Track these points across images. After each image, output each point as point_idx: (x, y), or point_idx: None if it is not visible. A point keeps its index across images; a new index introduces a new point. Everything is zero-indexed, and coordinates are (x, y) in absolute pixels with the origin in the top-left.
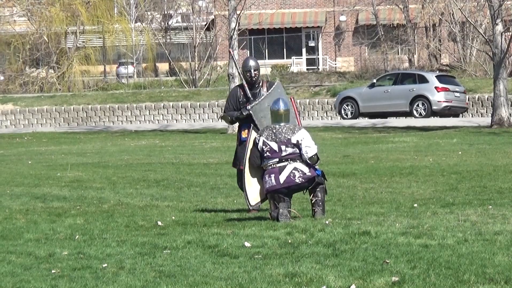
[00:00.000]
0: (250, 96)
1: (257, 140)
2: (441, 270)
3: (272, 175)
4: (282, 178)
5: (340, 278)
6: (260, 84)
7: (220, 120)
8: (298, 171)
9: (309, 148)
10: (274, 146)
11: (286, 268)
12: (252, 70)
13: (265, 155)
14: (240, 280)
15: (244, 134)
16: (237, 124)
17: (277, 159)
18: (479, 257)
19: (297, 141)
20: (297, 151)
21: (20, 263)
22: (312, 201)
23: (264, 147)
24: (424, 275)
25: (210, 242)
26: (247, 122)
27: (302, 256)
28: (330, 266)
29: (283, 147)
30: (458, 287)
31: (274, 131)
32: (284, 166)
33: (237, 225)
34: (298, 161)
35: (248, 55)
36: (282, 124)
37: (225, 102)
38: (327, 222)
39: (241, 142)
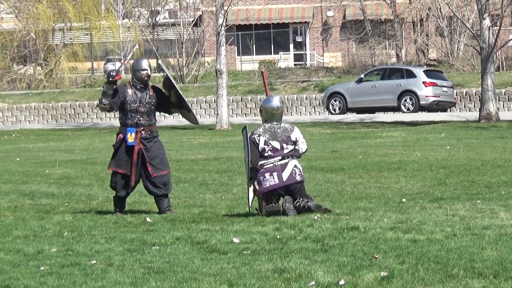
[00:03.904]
0: (137, 97)
1: (256, 140)
2: (429, 265)
3: (275, 173)
4: (285, 175)
5: (329, 273)
6: (148, 87)
7: (96, 106)
8: (298, 169)
9: (304, 144)
10: (277, 145)
11: (275, 264)
12: (148, 70)
13: (266, 154)
14: (229, 276)
15: (130, 139)
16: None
17: (279, 157)
18: (468, 251)
19: (296, 138)
20: (294, 147)
21: (9, 260)
22: (302, 203)
23: (266, 146)
24: (413, 270)
25: (198, 238)
26: (132, 125)
27: (290, 252)
28: (319, 261)
29: (284, 145)
30: (446, 281)
31: (273, 130)
32: (286, 164)
33: (225, 221)
34: (295, 158)
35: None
36: (279, 123)
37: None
38: (315, 217)
39: (128, 147)
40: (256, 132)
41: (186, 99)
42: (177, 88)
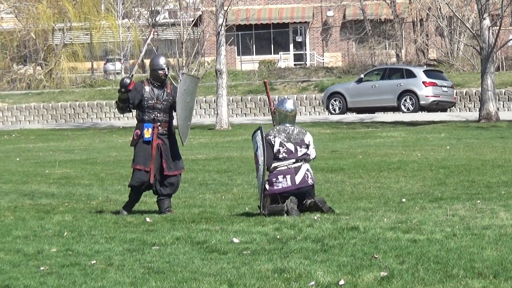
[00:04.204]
0: (155, 94)
1: (272, 141)
2: (429, 265)
3: (288, 176)
4: (298, 179)
5: (329, 273)
6: (165, 84)
7: (115, 103)
8: (310, 172)
9: (313, 150)
10: (291, 147)
11: (275, 264)
12: (166, 68)
13: (281, 156)
14: (229, 276)
15: (147, 134)
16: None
17: (293, 160)
18: (468, 251)
19: (308, 141)
20: (307, 151)
21: (9, 260)
22: (309, 200)
23: (281, 148)
24: (413, 270)
25: (198, 238)
26: (149, 121)
27: (290, 252)
28: (319, 261)
29: (298, 148)
30: (446, 281)
31: (287, 132)
32: (300, 167)
33: (225, 221)
34: (307, 162)
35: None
36: (292, 125)
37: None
38: (315, 218)
39: (145, 142)
40: (271, 133)
41: (180, 117)
42: (178, 106)
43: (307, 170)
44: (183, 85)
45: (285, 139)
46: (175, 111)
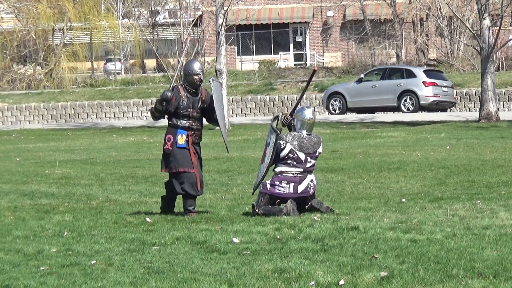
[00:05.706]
0: (190, 102)
1: (282, 145)
2: (429, 265)
3: (292, 184)
4: (301, 188)
5: (329, 273)
6: (200, 90)
7: (149, 111)
8: (313, 183)
9: (320, 154)
10: (302, 156)
11: (275, 264)
12: (201, 74)
13: (289, 161)
14: (229, 276)
15: (181, 141)
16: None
17: (301, 169)
18: (468, 251)
19: (319, 152)
20: (315, 162)
21: (9, 260)
22: (307, 205)
23: (290, 155)
24: (413, 270)
25: (198, 238)
26: (183, 128)
27: (290, 252)
28: (319, 261)
29: (309, 158)
30: (446, 281)
31: (303, 141)
32: (304, 177)
33: (225, 221)
34: (312, 172)
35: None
36: (309, 134)
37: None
38: (315, 218)
39: (179, 148)
40: (285, 138)
41: (224, 124)
42: (219, 117)
43: (311, 180)
44: (215, 93)
45: (297, 147)
46: (208, 120)
